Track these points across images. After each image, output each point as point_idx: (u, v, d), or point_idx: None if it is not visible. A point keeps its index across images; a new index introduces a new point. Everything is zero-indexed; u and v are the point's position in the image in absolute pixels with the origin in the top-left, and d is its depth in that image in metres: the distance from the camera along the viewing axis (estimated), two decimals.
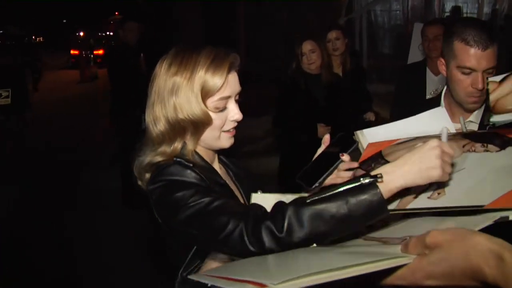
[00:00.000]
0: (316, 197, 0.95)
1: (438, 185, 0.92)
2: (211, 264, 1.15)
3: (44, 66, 16.31)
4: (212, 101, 1.16)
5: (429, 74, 3.18)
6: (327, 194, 0.94)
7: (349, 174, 1.16)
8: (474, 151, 0.96)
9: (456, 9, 8.10)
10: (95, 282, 3.36)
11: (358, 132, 1.22)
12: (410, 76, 3.27)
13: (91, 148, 7.00)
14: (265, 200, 1.16)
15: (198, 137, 1.20)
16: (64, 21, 37.97)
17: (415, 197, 0.91)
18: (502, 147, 0.95)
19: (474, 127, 1.53)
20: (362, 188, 0.92)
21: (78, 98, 12.02)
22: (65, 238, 4.00)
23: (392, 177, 0.91)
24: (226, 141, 1.24)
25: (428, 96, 2.75)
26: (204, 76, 1.14)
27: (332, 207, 0.92)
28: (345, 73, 3.58)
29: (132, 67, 4.50)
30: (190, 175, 1.12)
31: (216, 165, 1.33)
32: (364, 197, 0.91)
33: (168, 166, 1.15)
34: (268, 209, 1.02)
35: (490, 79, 1.32)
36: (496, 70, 1.45)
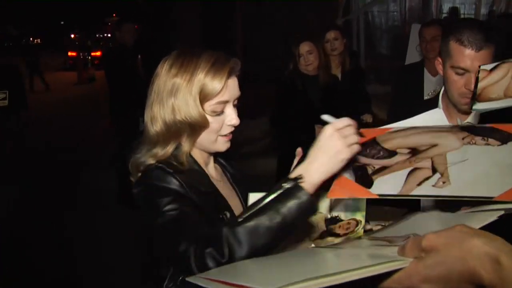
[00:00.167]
0: (247, 214, 0.99)
1: (440, 173, 0.92)
2: None
3: (43, 66, 16.28)
4: (210, 105, 1.18)
5: (426, 75, 3.18)
6: (256, 208, 0.98)
7: None
8: (475, 143, 0.96)
9: (454, 10, 8.06)
10: (95, 282, 3.37)
11: None
12: (407, 77, 3.26)
13: (91, 148, 6.99)
14: None
15: (194, 140, 1.22)
16: (62, 22, 37.80)
17: (419, 184, 0.91)
18: (503, 141, 0.95)
19: None
20: (288, 193, 0.97)
21: (79, 99, 12.01)
22: (65, 238, 4.00)
23: (310, 173, 0.96)
24: (222, 145, 1.25)
25: (426, 97, 2.75)
26: (204, 79, 1.15)
27: (265, 220, 0.96)
28: (344, 73, 3.57)
29: (129, 68, 4.52)
30: (170, 181, 1.14)
31: (211, 167, 1.34)
32: (293, 201, 0.96)
33: (151, 171, 1.17)
34: None
35: (482, 67, 1.30)
36: None
